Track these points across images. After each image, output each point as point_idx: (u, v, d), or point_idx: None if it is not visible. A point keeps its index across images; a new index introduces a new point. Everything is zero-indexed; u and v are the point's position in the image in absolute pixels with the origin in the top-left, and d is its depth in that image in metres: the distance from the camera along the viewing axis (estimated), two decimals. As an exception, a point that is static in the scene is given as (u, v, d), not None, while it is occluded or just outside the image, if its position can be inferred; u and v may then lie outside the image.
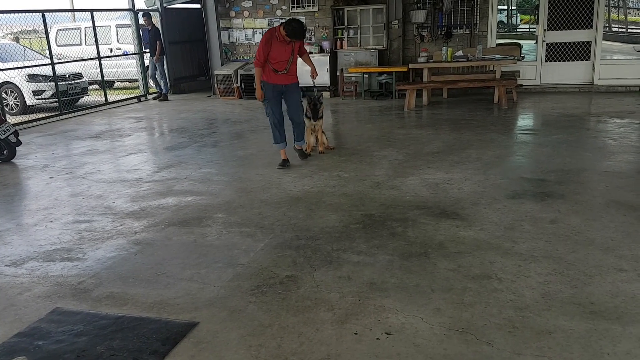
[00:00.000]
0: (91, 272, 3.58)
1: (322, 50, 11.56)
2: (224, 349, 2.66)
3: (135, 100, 12.64)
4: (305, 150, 6.41)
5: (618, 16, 11.64)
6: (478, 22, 10.66)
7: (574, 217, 4.02)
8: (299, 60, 6.12)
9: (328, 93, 11.65)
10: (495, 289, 3.07)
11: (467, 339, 2.63)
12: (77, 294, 3.28)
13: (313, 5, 11.82)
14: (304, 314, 2.94)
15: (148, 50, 12.28)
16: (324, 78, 11.54)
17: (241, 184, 5.47)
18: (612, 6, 11.45)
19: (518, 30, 16.17)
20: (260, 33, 12.42)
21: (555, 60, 10.49)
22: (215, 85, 12.33)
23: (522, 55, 10.66)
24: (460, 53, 9.51)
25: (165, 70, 12.53)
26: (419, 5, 10.94)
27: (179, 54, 13.69)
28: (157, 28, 12.22)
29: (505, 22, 15.64)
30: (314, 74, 6.16)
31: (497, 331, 2.67)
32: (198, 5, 12.90)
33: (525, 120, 8.22)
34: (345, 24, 11.35)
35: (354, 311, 2.94)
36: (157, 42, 11.97)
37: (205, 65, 13.46)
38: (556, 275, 3.16)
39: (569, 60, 10.41)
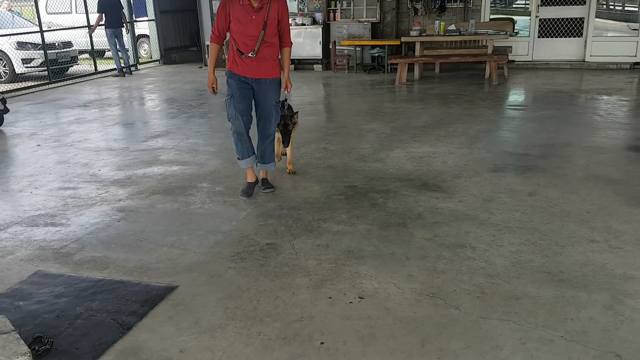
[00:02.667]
0: (74, 237, 3.63)
1: (314, 22, 11.45)
2: (201, 310, 2.73)
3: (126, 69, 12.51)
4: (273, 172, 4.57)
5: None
6: (473, -5, 10.58)
7: (552, 190, 4.09)
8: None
9: (320, 66, 11.61)
10: (468, 257, 3.14)
11: (436, 303, 2.70)
12: (59, 258, 3.33)
13: (306, -24, 11.67)
14: (281, 279, 3.01)
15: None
16: (316, 50, 11.51)
17: (228, 154, 5.49)
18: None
19: (514, 5, 16.02)
20: (252, 4, 12.25)
21: (548, 37, 10.45)
22: (207, 56, 12.22)
23: (515, 31, 10.62)
24: (452, 27, 9.46)
25: (127, 44, 11.69)
26: (413, -23, 10.82)
27: (170, 23, 13.53)
28: None
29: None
30: (287, 85, 4.19)
31: (466, 296, 2.74)
32: (190, -25, 12.73)
33: (514, 96, 8.24)
34: (339, -5, 11.23)
35: (329, 277, 3.00)
36: (103, 13, 11.00)
37: (196, 35, 13.32)
38: (529, 245, 3.24)
39: (561, 37, 10.38)
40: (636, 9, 10.09)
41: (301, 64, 11.85)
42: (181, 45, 14.06)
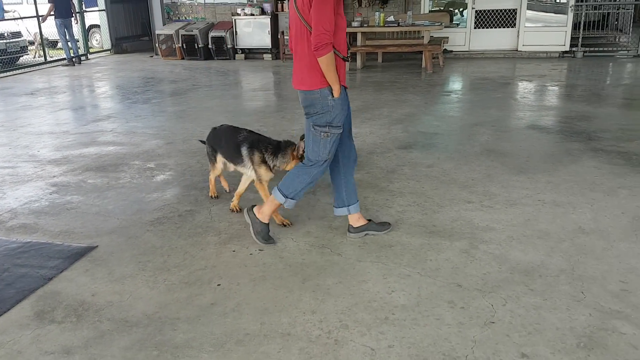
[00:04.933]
0: (8, 207, 3.92)
1: (263, 12, 11.77)
2: (115, 264, 3.08)
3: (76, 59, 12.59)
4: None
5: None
6: (412, -12, 11.09)
7: (449, 162, 4.58)
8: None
9: (270, 55, 11.94)
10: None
11: (323, 252, 3.14)
12: (-9, 225, 3.63)
13: (254, -32, 11.96)
14: (193, 238, 3.39)
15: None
16: (265, 40, 11.84)
17: (164, 136, 5.82)
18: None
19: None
20: (202, -6, 12.52)
21: (484, 27, 11.04)
22: (157, 45, 12.41)
23: (455, 22, 11.19)
24: (392, 18, 9.92)
25: (75, 33, 11.75)
26: (356, -30, 11.25)
27: (121, 13, 13.62)
28: None
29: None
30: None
31: (350, 246, 3.19)
32: (141, -36, 12.85)
33: (444, 84, 8.76)
34: (285, -14, 11.58)
35: (237, 235, 3.40)
36: (53, 3, 11.09)
37: (148, 25, 13.46)
38: (414, 206, 3.71)
39: (496, 27, 10.99)
40: (565, 1, 10.76)
41: (251, 54, 12.17)
42: (132, 34, 14.17)
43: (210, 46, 11.98)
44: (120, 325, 2.50)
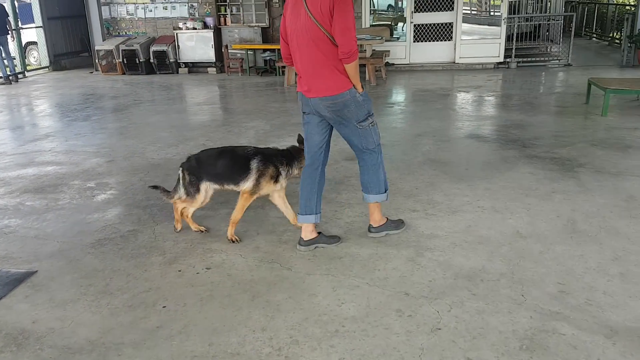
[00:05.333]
0: None
1: (206, 27, 11.69)
2: (56, 289, 2.96)
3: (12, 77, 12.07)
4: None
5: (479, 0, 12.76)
6: (353, 4, 11.28)
7: (394, 172, 4.67)
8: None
9: (214, 69, 11.86)
10: (309, 229, 3.60)
11: (273, 267, 3.13)
12: None
13: (195, -18, 11.89)
14: (136, 259, 3.30)
15: None
16: (209, 54, 11.75)
17: (105, 154, 5.65)
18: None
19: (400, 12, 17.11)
20: (142, 8, 12.31)
21: (422, 41, 11.38)
22: (97, 61, 12.08)
23: (395, 36, 11.48)
24: (334, 32, 10.06)
25: (12, 51, 11.45)
26: (297, -15, 11.35)
27: (59, 29, 13.20)
28: (2, 5, 11.31)
29: (393, 5, 16.54)
30: None
31: (299, 260, 3.19)
32: (78, -21, 12.50)
33: (387, 95, 8.95)
34: (228, 0, 11.55)
35: (183, 254, 3.34)
36: None
37: (87, 40, 13.09)
38: (361, 217, 3.76)
39: (434, 41, 11.35)
40: (498, 13, 11.25)
41: (195, 67, 12.05)
42: (71, 51, 13.74)
43: (152, 60, 11.78)
44: (62, 353, 2.40)
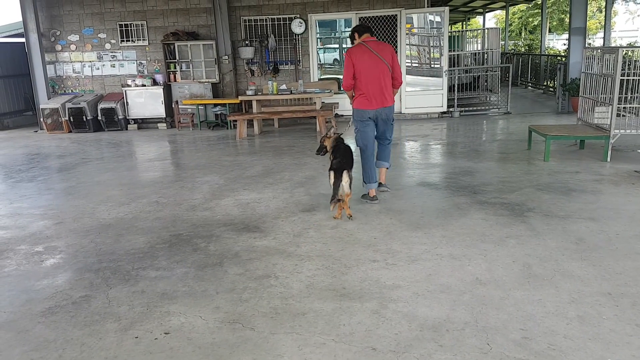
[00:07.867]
0: None
1: (155, 83, 11.69)
2: (2, 366, 2.76)
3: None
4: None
5: (419, 54, 13.42)
6: (301, 59, 11.64)
7: (351, 223, 4.71)
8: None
9: (165, 124, 11.78)
10: (271, 285, 3.55)
11: (235, 327, 3.04)
12: None
13: (143, 40, 11.94)
14: (90, 327, 3.13)
15: None
16: (159, 110, 11.71)
17: (52, 216, 5.44)
18: (414, 45, 13.21)
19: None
20: (89, 66, 12.21)
21: (370, 92, 11.73)
22: (42, 119, 11.78)
23: (341, 89, 11.80)
24: (284, 87, 10.29)
25: None
26: (246, 42, 11.62)
27: (1, 88, 12.86)
28: None
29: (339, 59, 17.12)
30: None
31: (262, 318, 3.12)
32: (23, 39, 12.30)
33: (341, 145, 9.12)
34: (177, 58, 11.65)
35: (139, 319, 3.20)
36: None
37: (31, 99, 12.79)
38: (323, 270, 3.74)
39: (382, 92, 11.71)
40: (440, 66, 11.83)
41: (145, 123, 11.94)
42: (15, 110, 13.37)
43: (100, 118, 11.60)
44: None
